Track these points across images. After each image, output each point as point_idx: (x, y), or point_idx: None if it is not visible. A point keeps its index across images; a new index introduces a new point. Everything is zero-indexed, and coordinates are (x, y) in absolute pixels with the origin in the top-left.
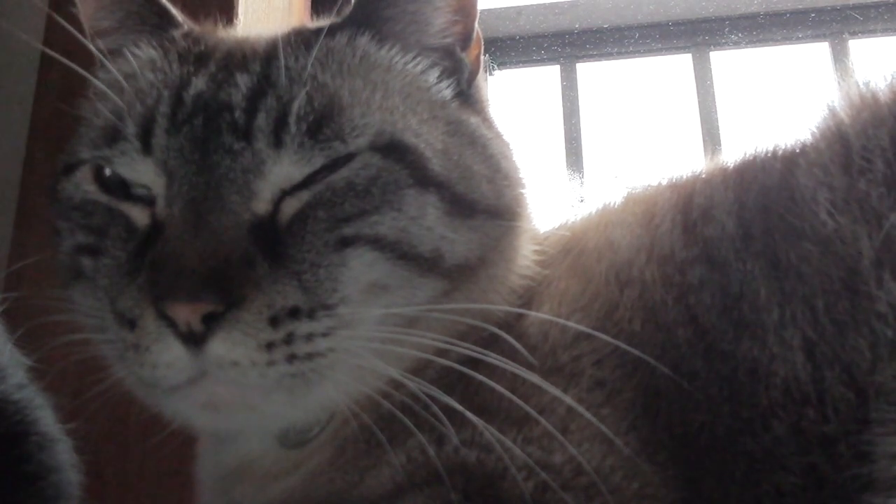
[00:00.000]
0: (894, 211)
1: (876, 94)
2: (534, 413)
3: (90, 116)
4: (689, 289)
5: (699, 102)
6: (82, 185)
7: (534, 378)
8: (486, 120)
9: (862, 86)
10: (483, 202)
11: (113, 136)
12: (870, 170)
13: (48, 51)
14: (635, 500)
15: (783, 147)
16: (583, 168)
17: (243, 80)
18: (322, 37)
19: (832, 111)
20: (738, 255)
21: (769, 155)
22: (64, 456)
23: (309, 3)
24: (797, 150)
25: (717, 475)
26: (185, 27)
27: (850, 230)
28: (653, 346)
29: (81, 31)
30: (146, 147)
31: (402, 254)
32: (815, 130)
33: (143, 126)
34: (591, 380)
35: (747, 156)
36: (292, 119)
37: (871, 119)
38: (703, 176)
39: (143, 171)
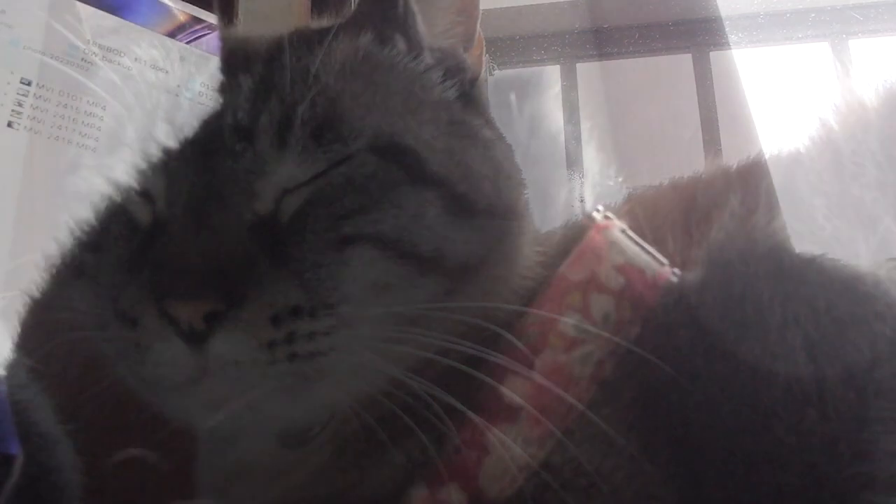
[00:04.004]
0: (889, 214)
1: (863, 100)
2: (535, 412)
3: (92, 117)
4: (690, 289)
5: (699, 102)
6: (89, 177)
7: (535, 377)
8: (489, 121)
9: (849, 93)
10: (485, 202)
11: (113, 145)
12: (862, 174)
13: (47, 59)
14: (635, 501)
15: (783, 152)
16: (583, 168)
17: (245, 81)
18: (328, 39)
19: (822, 121)
20: (741, 256)
21: (771, 161)
22: (64, 457)
23: (309, 3)
24: (795, 158)
25: (717, 476)
26: None
27: (847, 233)
28: (654, 347)
29: (80, 35)
30: (145, 151)
31: (403, 252)
32: (808, 139)
33: (142, 131)
34: (591, 380)
35: (750, 160)
36: (297, 121)
37: (859, 124)
38: (705, 178)
39: (141, 176)
